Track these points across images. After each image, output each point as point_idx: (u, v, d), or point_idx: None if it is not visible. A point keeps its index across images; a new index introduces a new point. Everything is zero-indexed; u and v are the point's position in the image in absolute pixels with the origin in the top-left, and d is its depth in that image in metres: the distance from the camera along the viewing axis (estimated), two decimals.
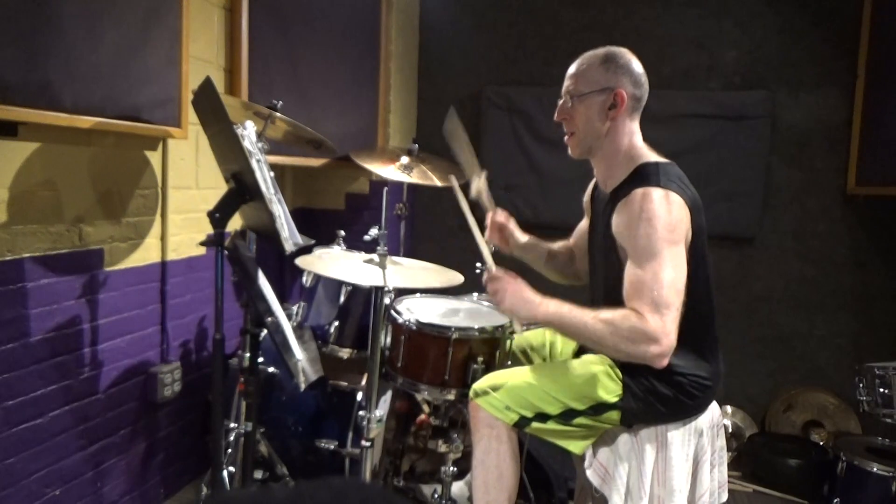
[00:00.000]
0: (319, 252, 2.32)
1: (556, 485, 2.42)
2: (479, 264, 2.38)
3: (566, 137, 1.81)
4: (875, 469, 2.51)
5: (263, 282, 1.57)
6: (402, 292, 2.33)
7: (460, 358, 1.99)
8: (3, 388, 1.75)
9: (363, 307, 2.37)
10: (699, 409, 1.72)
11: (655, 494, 1.67)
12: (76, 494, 2.02)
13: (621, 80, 1.71)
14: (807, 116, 3.36)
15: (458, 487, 2.31)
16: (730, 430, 3.33)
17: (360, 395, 2.25)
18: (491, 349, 2.03)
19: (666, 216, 1.55)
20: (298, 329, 2.39)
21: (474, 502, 1.76)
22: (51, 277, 1.88)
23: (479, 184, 2.07)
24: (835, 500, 2.61)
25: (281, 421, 2.29)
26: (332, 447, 2.21)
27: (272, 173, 1.53)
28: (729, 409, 3.41)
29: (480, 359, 1.99)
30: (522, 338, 2.10)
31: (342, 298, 2.37)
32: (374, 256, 2.06)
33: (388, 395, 2.34)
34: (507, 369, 1.84)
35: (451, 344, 1.98)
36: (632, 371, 1.66)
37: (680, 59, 3.46)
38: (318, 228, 2.96)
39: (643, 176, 1.65)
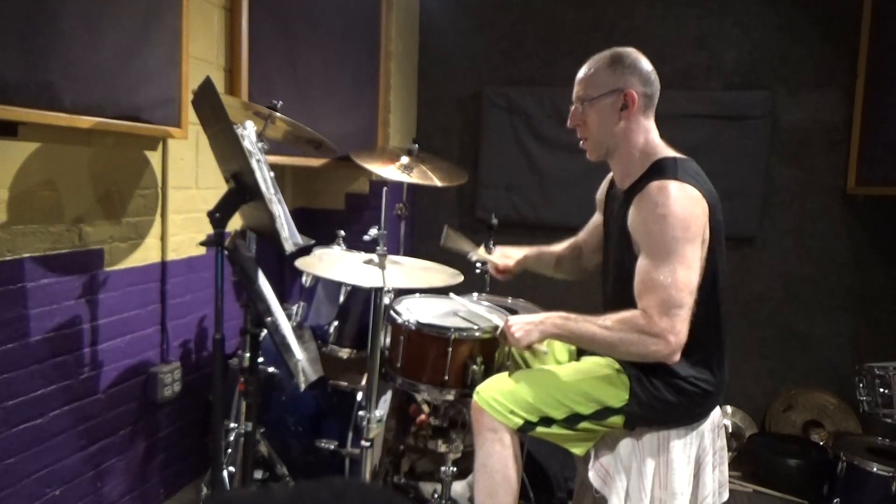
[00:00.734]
0: (319, 252, 2.32)
1: (556, 485, 2.42)
2: (478, 265, 2.41)
3: (581, 143, 1.80)
4: (875, 469, 2.51)
5: (263, 282, 1.57)
6: (401, 292, 2.33)
7: (460, 358, 1.99)
8: (3, 388, 1.75)
9: (363, 307, 2.37)
10: (703, 415, 1.72)
11: (657, 497, 1.66)
12: (76, 494, 2.02)
13: (630, 80, 1.70)
14: (807, 116, 3.36)
15: (459, 486, 2.31)
16: (730, 430, 3.33)
17: (359, 395, 2.25)
18: (490, 350, 2.03)
19: (681, 211, 1.54)
20: (298, 329, 2.39)
21: None
22: (51, 277, 1.88)
23: (479, 255, 2.28)
24: (835, 500, 2.61)
25: (281, 421, 2.29)
26: (332, 447, 2.21)
27: (272, 173, 1.53)
28: (729, 409, 3.41)
29: (480, 359, 1.98)
30: None
31: (342, 298, 2.37)
32: (374, 256, 2.06)
33: (388, 394, 2.33)
34: (512, 372, 1.83)
35: (450, 344, 1.97)
36: (638, 376, 1.66)
37: (680, 59, 3.46)
38: (318, 228, 2.96)
39: (660, 170, 1.64)
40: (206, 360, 2.59)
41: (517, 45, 3.68)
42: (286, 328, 1.53)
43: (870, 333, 3.34)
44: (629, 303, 1.62)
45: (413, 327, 2.03)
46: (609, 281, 1.86)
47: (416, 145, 2.76)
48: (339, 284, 2.36)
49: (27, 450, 1.83)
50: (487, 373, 1.95)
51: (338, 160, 3.05)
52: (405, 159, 2.71)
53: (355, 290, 2.36)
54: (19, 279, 1.78)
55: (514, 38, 3.68)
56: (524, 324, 1.72)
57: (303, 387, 1.57)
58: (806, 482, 2.85)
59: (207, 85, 1.55)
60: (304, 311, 2.44)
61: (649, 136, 1.74)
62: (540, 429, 1.68)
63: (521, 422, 1.68)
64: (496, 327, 1.92)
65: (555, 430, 1.68)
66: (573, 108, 1.78)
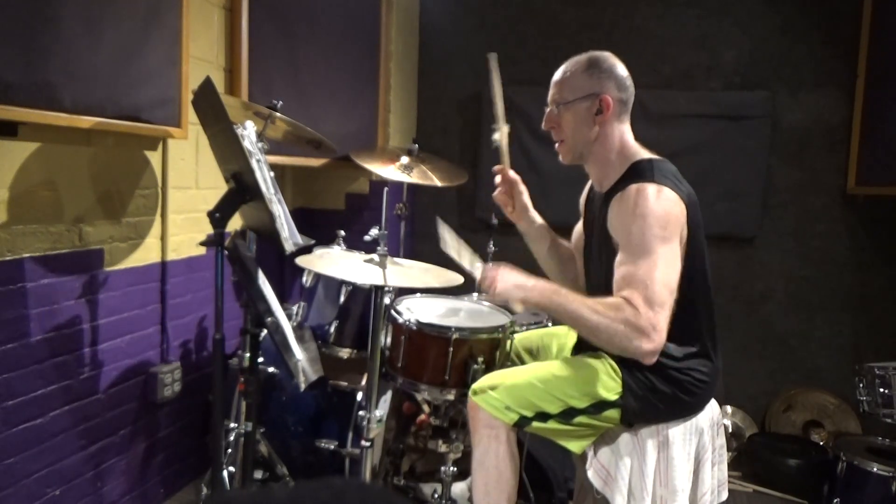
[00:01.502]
0: (319, 252, 2.32)
1: (556, 485, 2.42)
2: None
3: (556, 145, 1.82)
4: (875, 469, 2.51)
5: (263, 282, 1.57)
6: (402, 292, 2.33)
7: (460, 358, 1.99)
8: (3, 388, 1.75)
9: (363, 307, 2.37)
10: (698, 406, 1.73)
11: (658, 494, 1.67)
12: (76, 494, 2.02)
13: (606, 84, 1.71)
14: (807, 116, 3.36)
15: (458, 488, 2.31)
16: (730, 430, 3.33)
17: (360, 395, 2.25)
18: (491, 349, 2.03)
19: (659, 212, 1.55)
20: (298, 329, 2.39)
21: (474, 503, 1.76)
22: (51, 277, 1.88)
23: (502, 133, 2.00)
24: (835, 500, 2.61)
25: (281, 421, 2.29)
26: (332, 447, 2.21)
27: (272, 173, 1.53)
28: (729, 409, 3.41)
29: (481, 359, 1.98)
30: (523, 337, 2.10)
31: (342, 298, 2.37)
32: (374, 256, 2.06)
33: (388, 395, 2.34)
34: (507, 369, 1.84)
35: (451, 344, 1.97)
36: (631, 368, 1.66)
37: (680, 59, 3.46)
38: (318, 228, 2.96)
39: (637, 172, 1.66)
40: (206, 360, 2.58)
41: (517, 45, 3.68)
42: (286, 328, 1.53)
43: (870, 333, 3.34)
44: None
45: (414, 327, 2.03)
46: (591, 283, 1.87)
47: (416, 145, 2.76)
48: (339, 284, 2.36)
49: (27, 450, 1.83)
50: (488, 372, 1.95)
51: (338, 160, 3.05)
52: (405, 159, 2.71)
53: (356, 290, 2.36)
54: (19, 279, 1.78)
55: (514, 38, 3.68)
56: (512, 284, 1.67)
57: (303, 387, 1.57)
58: (806, 482, 2.85)
59: (207, 85, 1.55)
60: (304, 311, 2.44)
61: (624, 138, 1.75)
62: (536, 424, 1.69)
63: (516, 417, 1.68)
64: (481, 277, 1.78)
65: (551, 424, 1.68)
66: (548, 109, 1.79)
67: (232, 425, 2.10)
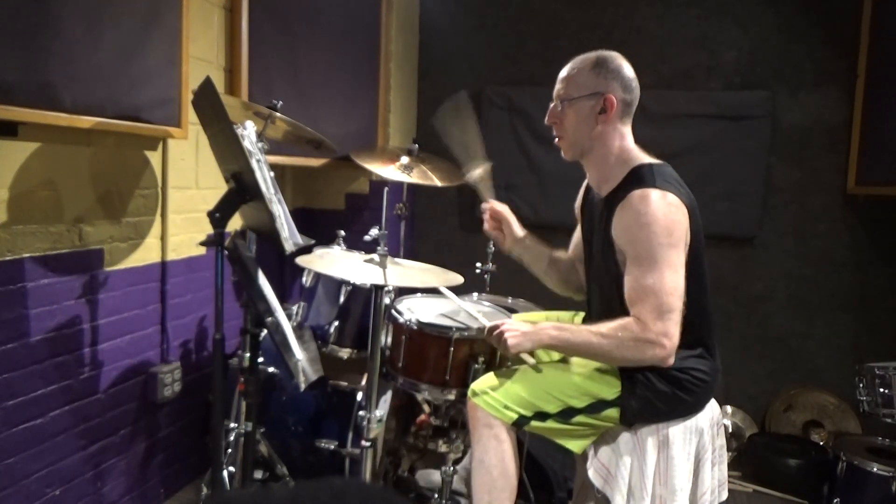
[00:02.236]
0: (319, 252, 2.32)
1: (556, 485, 2.42)
2: (477, 265, 2.38)
3: (557, 140, 1.82)
4: (875, 469, 2.51)
5: (263, 282, 1.57)
6: (402, 292, 2.33)
7: (461, 358, 1.99)
8: (3, 388, 1.75)
9: (363, 307, 2.37)
10: (698, 406, 1.73)
11: (657, 494, 1.67)
12: (76, 494, 2.02)
13: (611, 84, 1.71)
14: (807, 116, 3.36)
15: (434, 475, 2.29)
16: (730, 430, 3.33)
17: (360, 395, 2.25)
18: (492, 349, 2.03)
19: (664, 219, 1.57)
20: (298, 329, 2.38)
21: (474, 502, 1.76)
22: (51, 277, 1.88)
23: (481, 172, 2.04)
24: (835, 500, 2.61)
25: (281, 421, 2.29)
26: (332, 447, 2.21)
27: (272, 173, 1.53)
28: (729, 409, 3.41)
29: (481, 359, 1.98)
30: None
31: (342, 298, 2.37)
32: (375, 256, 2.06)
33: (388, 394, 2.33)
34: (505, 369, 1.84)
35: (452, 344, 1.97)
36: (630, 368, 1.67)
37: (680, 59, 3.46)
38: (318, 228, 2.96)
39: (638, 178, 1.66)
40: (206, 360, 2.58)
41: (517, 45, 3.68)
42: (286, 328, 1.53)
43: (870, 333, 3.34)
44: (616, 308, 1.65)
45: (414, 327, 2.03)
46: (594, 288, 1.88)
47: (416, 145, 2.75)
48: (339, 284, 2.36)
49: (27, 450, 1.83)
50: (489, 372, 1.95)
51: (338, 160, 3.05)
52: (405, 159, 2.70)
53: (356, 290, 2.36)
54: (19, 279, 1.78)
55: (514, 38, 3.68)
56: (519, 333, 1.72)
57: (303, 387, 1.57)
58: (806, 482, 2.85)
59: (207, 85, 1.55)
60: (304, 311, 2.44)
61: (625, 141, 1.76)
62: (535, 423, 1.69)
63: (515, 416, 1.68)
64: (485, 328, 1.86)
65: (550, 424, 1.69)
66: (552, 104, 1.80)
67: (232, 425, 2.10)
